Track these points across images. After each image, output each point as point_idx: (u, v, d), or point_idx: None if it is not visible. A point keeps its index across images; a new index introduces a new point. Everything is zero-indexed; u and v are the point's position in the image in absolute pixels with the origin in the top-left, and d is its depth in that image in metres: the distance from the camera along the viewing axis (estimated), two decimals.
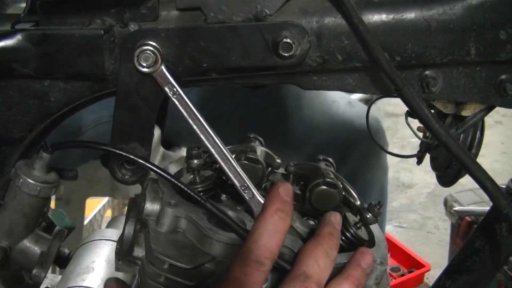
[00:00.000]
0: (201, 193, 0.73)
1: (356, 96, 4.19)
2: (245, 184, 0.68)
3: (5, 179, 0.73)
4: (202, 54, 0.66)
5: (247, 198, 0.68)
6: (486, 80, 0.69)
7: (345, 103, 1.59)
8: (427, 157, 0.84)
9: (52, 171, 0.73)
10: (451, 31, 0.66)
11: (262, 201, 0.68)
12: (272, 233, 0.61)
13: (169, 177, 0.69)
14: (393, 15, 0.66)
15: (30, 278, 0.76)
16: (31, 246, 0.75)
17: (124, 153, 0.69)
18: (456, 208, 2.25)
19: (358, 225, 0.72)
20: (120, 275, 0.90)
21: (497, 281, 1.90)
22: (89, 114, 1.44)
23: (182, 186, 0.68)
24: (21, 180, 0.70)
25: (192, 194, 0.68)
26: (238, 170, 0.68)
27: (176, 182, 0.68)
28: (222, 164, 0.68)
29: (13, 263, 0.75)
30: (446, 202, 2.36)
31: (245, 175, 0.68)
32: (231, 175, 0.68)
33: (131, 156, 0.69)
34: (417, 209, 3.31)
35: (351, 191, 0.80)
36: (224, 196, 0.78)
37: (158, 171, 0.69)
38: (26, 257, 0.75)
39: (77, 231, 1.89)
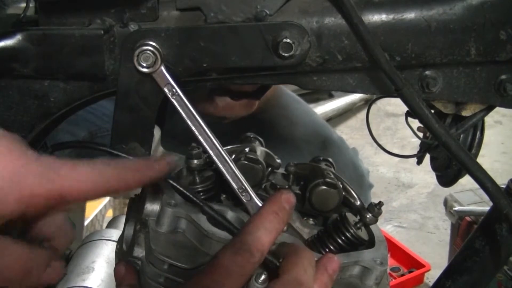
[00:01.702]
0: (201, 193, 0.73)
1: (356, 96, 4.20)
2: (243, 187, 0.68)
3: None
4: (202, 54, 0.66)
5: (244, 200, 0.68)
6: (486, 80, 0.69)
7: (318, 143, 1.50)
8: (427, 157, 0.84)
9: None
10: (451, 31, 0.66)
11: (260, 204, 0.67)
12: (267, 230, 0.61)
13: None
14: (393, 15, 0.66)
15: None
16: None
17: (122, 155, 0.69)
18: (456, 208, 2.25)
19: (358, 225, 0.72)
20: None
21: (497, 281, 1.90)
22: (85, 126, 1.44)
23: (180, 188, 0.68)
24: None
25: (190, 196, 0.68)
26: (236, 172, 0.68)
27: (174, 184, 0.68)
28: (220, 166, 0.68)
29: None
30: (446, 202, 2.37)
31: (243, 177, 0.68)
32: (228, 177, 0.68)
33: (130, 158, 0.69)
34: (417, 209, 3.31)
35: (351, 191, 0.80)
36: (224, 196, 0.78)
37: None
38: None
39: (77, 231, 1.89)
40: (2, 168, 0.52)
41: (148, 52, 0.64)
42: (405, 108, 0.70)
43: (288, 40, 0.64)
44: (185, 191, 0.68)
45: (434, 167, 0.85)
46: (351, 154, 1.57)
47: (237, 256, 0.59)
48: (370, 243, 0.72)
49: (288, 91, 1.61)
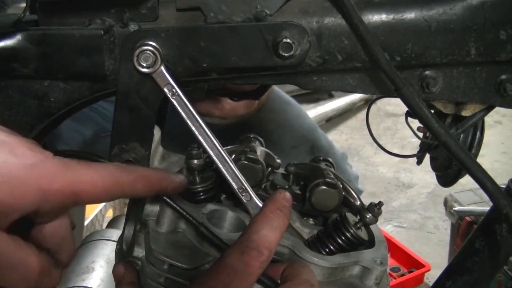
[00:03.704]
0: (201, 193, 0.73)
1: (356, 96, 4.20)
2: (243, 187, 0.68)
3: None
4: (202, 54, 0.66)
5: (244, 201, 0.68)
6: (486, 80, 0.69)
7: (306, 148, 1.50)
8: (427, 157, 0.84)
9: None
10: (451, 31, 0.66)
11: (260, 204, 0.67)
12: (273, 227, 0.60)
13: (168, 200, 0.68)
14: (393, 15, 0.66)
15: None
16: None
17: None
18: (456, 208, 2.25)
19: (358, 225, 0.72)
20: None
21: (497, 281, 1.90)
22: (90, 125, 1.45)
23: (177, 207, 0.67)
24: None
25: (187, 216, 0.67)
26: (236, 172, 0.68)
27: (171, 203, 0.67)
28: (220, 166, 0.68)
29: None
30: (446, 202, 2.37)
31: (243, 178, 0.68)
32: (228, 177, 0.68)
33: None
34: (417, 209, 3.32)
35: (351, 191, 0.80)
36: (224, 196, 0.78)
37: None
38: None
39: (77, 231, 1.89)
40: (22, 161, 0.53)
41: (148, 52, 0.64)
42: (405, 108, 0.70)
43: (288, 40, 0.64)
44: (182, 211, 0.67)
45: (434, 167, 0.85)
46: (338, 159, 1.57)
47: (244, 255, 0.57)
48: (370, 243, 0.73)
49: (281, 93, 1.60)
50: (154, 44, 0.65)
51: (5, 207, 0.52)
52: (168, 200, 0.66)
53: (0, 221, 0.53)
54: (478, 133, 0.79)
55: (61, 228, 0.61)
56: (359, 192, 1.58)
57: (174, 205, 0.66)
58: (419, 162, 0.85)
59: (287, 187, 0.80)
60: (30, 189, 0.53)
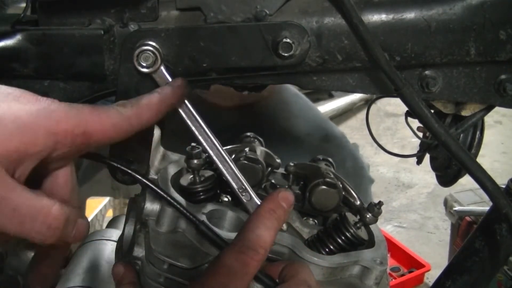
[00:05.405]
0: (201, 193, 0.73)
1: (356, 96, 4.20)
2: (243, 187, 0.68)
3: None
4: (202, 54, 0.66)
5: (244, 200, 0.68)
6: (486, 80, 0.69)
7: (320, 136, 1.50)
8: (427, 157, 0.84)
9: None
10: (451, 31, 0.66)
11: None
12: (267, 227, 0.60)
13: (163, 193, 0.67)
14: (393, 15, 0.66)
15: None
16: (26, 251, 0.75)
17: (122, 167, 0.68)
18: (456, 208, 2.25)
19: (358, 225, 0.72)
20: None
21: (497, 281, 1.90)
22: None
23: (177, 205, 0.67)
24: None
25: (188, 214, 0.66)
26: (236, 172, 0.68)
27: (169, 198, 0.67)
28: (220, 166, 0.68)
29: (8, 268, 0.74)
30: (446, 202, 2.37)
31: (243, 177, 0.68)
32: (228, 177, 0.68)
33: (129, 171, 0.68)
34: (417, 209, 3.32)
35: (351, 191, 0.80)
36: (224, 196, 0.78)
37: (153, 187, 0.67)
38: (20, 262, 0.75)
39: None
40: (28, 107, 0.54)
41: (148, 52, 0.64)
42: (405, 108, 0.70)
43: (288, 40, 0.64)
44: (183, 210, 0.66)
45: (434, 167, 0.85)
46: (352, 147, 1.58)
47: (240, 255, 0.58)
48: (370, 243, 0.73)
49: (290, 87, 1.61)
50: (154, 44, 0.65)
51: (20, 153, 0.53)
52: (169, 198, 0.66)
53: (18, 169, 0.53)
54: (478, 133, 0.79)
55: (71, 178, 0.62)
56: (370, 181, 1.59)
57: (175, 204, 0.66)
58: (419, 162, 0.85)
59: (287, 187, 0.80)
60: (41, 132, 0.54)
